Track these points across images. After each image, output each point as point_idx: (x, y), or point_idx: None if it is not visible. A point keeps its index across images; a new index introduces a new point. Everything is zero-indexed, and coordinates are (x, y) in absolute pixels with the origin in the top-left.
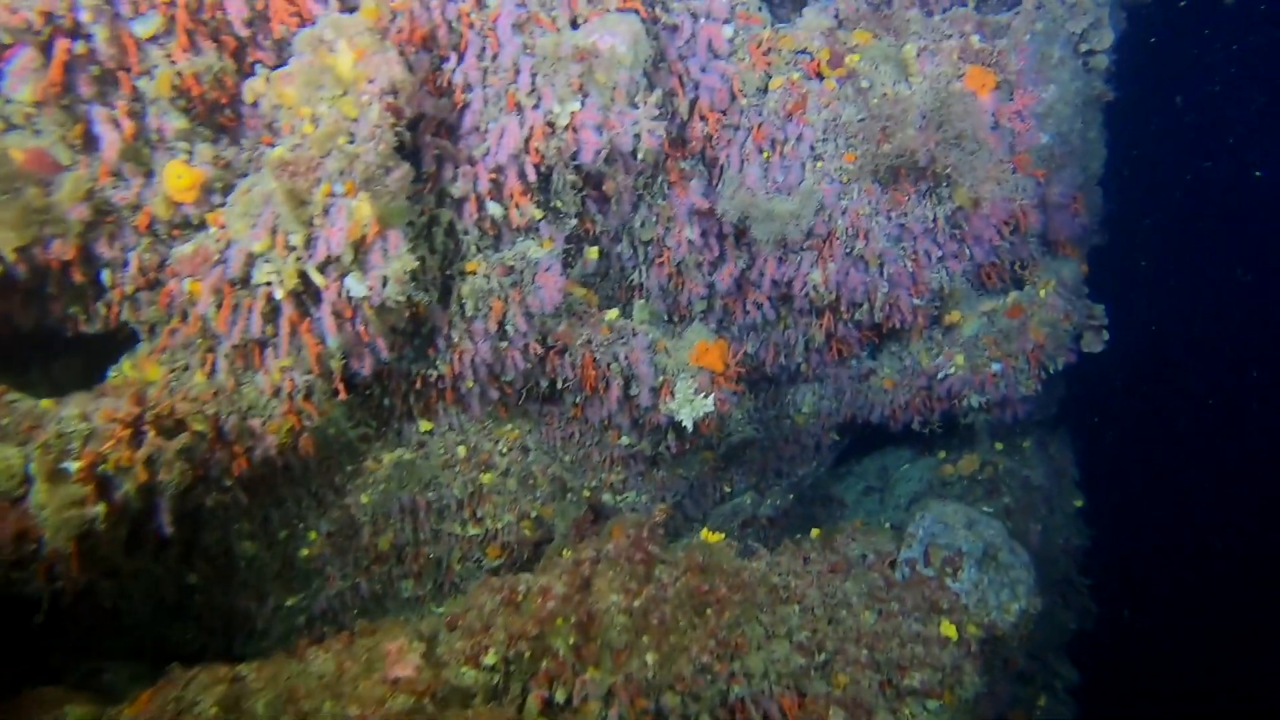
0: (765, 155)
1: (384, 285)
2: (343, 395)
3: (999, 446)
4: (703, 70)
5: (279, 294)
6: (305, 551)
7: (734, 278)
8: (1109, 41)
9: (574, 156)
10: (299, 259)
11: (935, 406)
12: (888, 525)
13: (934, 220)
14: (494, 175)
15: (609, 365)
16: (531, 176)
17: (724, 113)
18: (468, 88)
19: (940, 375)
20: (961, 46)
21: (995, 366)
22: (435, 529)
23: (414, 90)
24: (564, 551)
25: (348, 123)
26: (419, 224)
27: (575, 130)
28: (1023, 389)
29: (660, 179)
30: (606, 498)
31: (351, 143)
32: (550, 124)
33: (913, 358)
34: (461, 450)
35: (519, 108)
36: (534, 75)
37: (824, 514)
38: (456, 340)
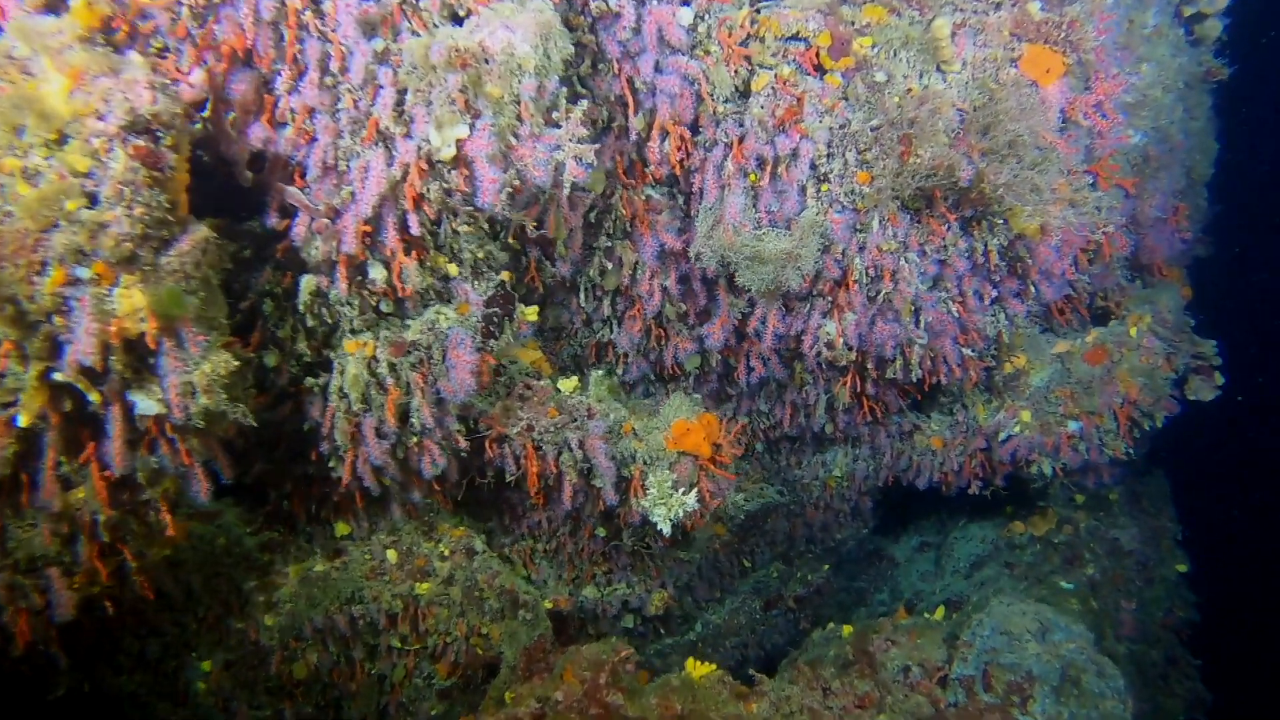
0: (752, 179)
1: (194, 395)
2: (171, 532)
3: (1079, 499)
4: (657, 70)
5: (22, 420)
6: (202, 685)
7: (728, 330)
8: (1223, 1)
9: (468, 200)
10: (41, 372)
11: (997, 471)
12: (940, 611)
13: (984, 254)
14: (367, 228)
15: (558, 457)
16: (415, 229)
17: (693, 126)
18: (311, 113)
19: (1002, 436)
20: (1016, 18)
21: (1073, 426)
22: (371, 643)
23: (182, 124)
24: (508, 695)
25: (77, 180)
26: (261, 303)
27: (467, 165)
28: (1109, 452)
29: (618, 214)
30: (589, 591)
31: (92, 208)
32: (430, 159)
33: (967, 412)
34: (391, 555)
35: (383, 138)
36: (401, 92)
37: (869, 576)
38: (340, 441)
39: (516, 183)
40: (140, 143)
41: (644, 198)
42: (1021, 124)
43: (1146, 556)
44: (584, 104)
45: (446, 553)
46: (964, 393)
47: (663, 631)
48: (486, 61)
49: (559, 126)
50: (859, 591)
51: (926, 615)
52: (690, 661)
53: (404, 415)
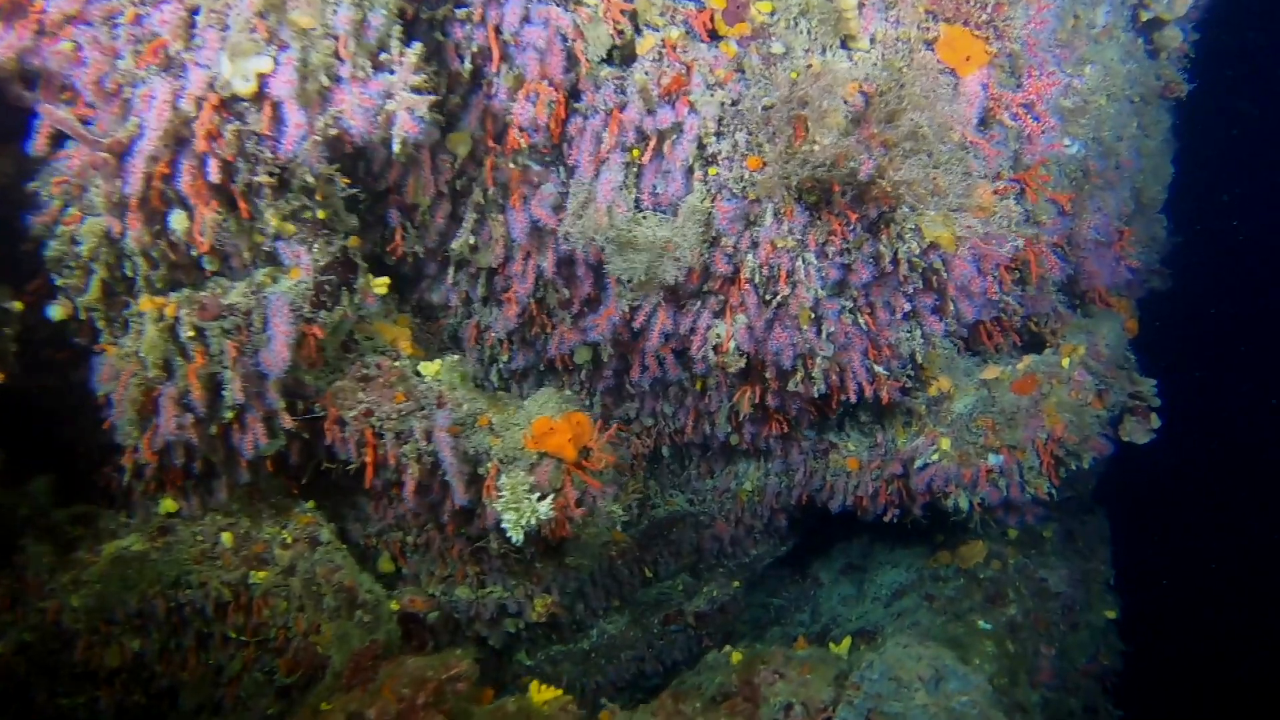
0: (634, 154)
1: None
2: None
3: (1012, 534)
4: (526, 20)
5: None
6: None
7: (615, 323)
8: (1183, 7)
9: (269, 145)
10: None
11: (915, 500)
12: (846, 642)
13: (893, 261)
14: (163, 169)
15: (401, 447)
16: (215, 175)
17: (574, 90)
18: (73, 22)
19: (919, 463)
20: None
21: (993, 459)
22: (204, 631)
23: None
24: (324, 705)
25: None
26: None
27: (273, 105)
28: (1032, 491)
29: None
30: (462, 592)
31: None
32: (225, 93)
33: (886, 433)
34: (227, 538)
35: (170, 62)
36: (192, 10)
37: (790, 593)
38: (128, 412)
39: (334, 132)
40: None
41: (521, 167)
42: (925, 114)
43: (1074, 600)
44: (417, 46)
45: (289, 540)
46: (885, 412)
47: (553, 638)
48: None
49: (392, 72)
50: (779, 609)
51: (832, 645)
52: (534, 685)
53: (216, 387)
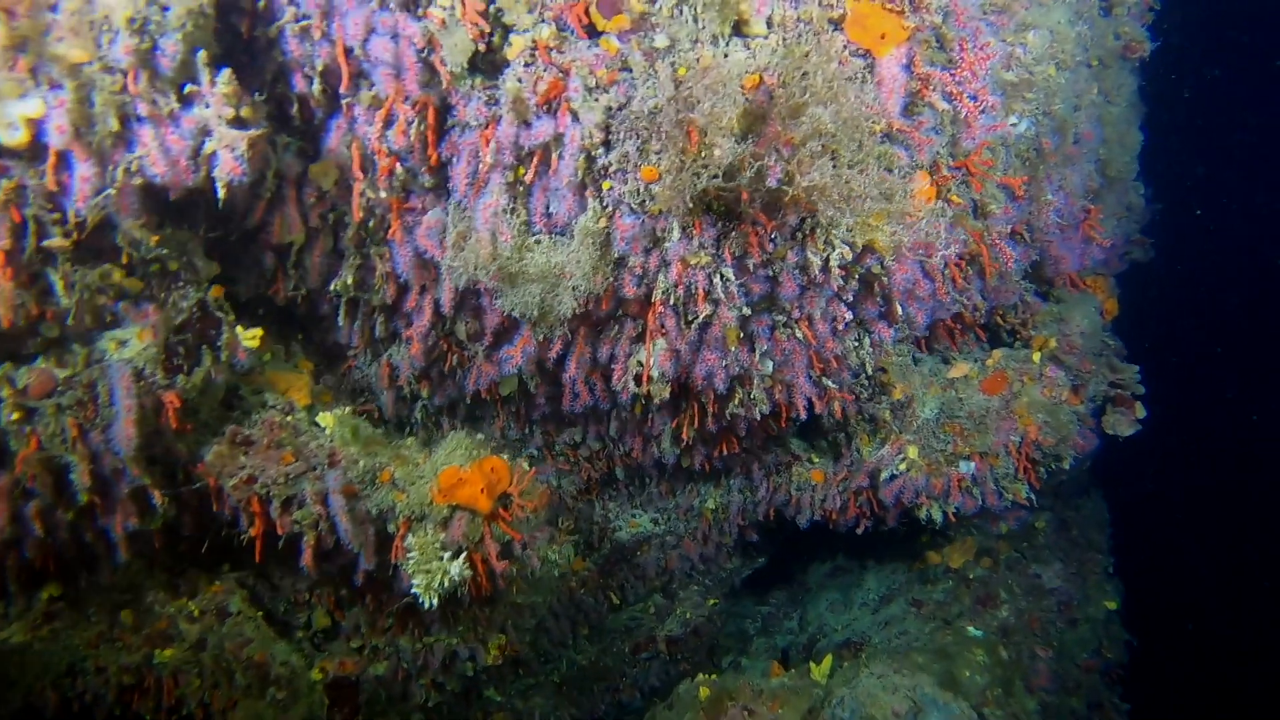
0: (519, 172)
1: None
2: None
3: (1003, 528)
4: (370, 33)
5: None
6: None
7: (530, 353)
8: None
9: (54, 200)
10: None
11: (888, 512)
12: (827, 661)
13: (823, 270)
14: None
15: (294, 513)
16: (3, 241)
17: (444, 105)
18: None
19: (885, 475)
20: None
21: (965, 467)
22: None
23: None
24: None
25: None
26: None
27: (57, 155)
28: (1009, 497)
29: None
30: (405, 642)
31: None
32: None
33: (851, 443)
34: (125, 616)
35: None
36: None
37: (779, 598)
38: None
39: (137, 181)
40: None
41: (398, 194)
42: (830, 108)
43: (1070, 595)
44: (225, 73)
45: (196, 613)
46: (847, 420)
47: (520, 672)
48: (51, 9)
49: (206, 106)
50: (766, 616)
51: (813, 665)
52: None
53: (61, 471)
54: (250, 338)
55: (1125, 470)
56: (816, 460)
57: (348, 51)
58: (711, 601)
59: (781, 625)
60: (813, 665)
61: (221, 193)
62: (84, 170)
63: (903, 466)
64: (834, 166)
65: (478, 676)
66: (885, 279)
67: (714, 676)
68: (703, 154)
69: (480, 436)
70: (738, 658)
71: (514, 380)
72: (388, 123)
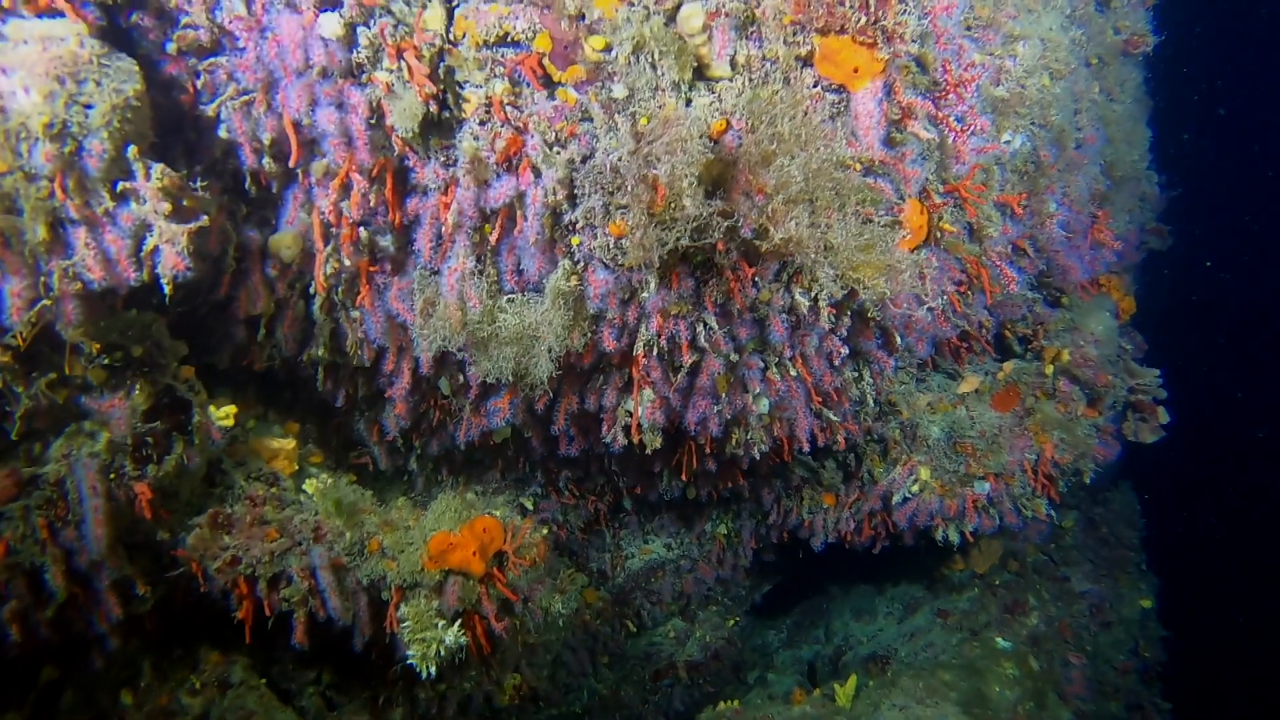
0: (486, 230)
1: None
2: None
3: (1030, 551)
4: (314, 105)
5: None
6: None
7: (518, 405)
8: None
9: None
10: None
11: (904, 534)
12: (852, 681)
13: (811, 310)
14: None
15: (281, 591)
16: None
17: (401, 170)
18: None
19: (897, 498)
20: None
21: (981, 488)
22: None
23: None
24: None
25: None
26: None
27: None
28: (1029, 513)
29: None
30: (421, 691)
31: None
32: None
33: (862, 464)
34: (126, 697)
35: None
36: None
37: (804, 608)
38: None
39: (74, 288)
40: None
41: (364, 257)
42: (800, 157)
43: (1101, 596)
44: (159, 167)
45: (198, 685)
46: (856, 443)
47: (541, 704)
48: None
49: (145, 202)
50: (792, 628)
51: (837, 686)
52: None
53: (35, 571)
54: (223, 416)
55: (1156, 460)
56: (827, 482)
57: (296, 124)
58: (731, 621)
59: (808, 635)
60: (837, 688)
61: (168, 289)
62: (14, 285)
63: (915, 489)
64: (810, 215)
65: (497, 715)
66: (878, 314)
67: (735, 705)
68: (671, 207)
69: (470, 496)
70: (764, 672)
71: (507, 429)
72: (344, 192)
